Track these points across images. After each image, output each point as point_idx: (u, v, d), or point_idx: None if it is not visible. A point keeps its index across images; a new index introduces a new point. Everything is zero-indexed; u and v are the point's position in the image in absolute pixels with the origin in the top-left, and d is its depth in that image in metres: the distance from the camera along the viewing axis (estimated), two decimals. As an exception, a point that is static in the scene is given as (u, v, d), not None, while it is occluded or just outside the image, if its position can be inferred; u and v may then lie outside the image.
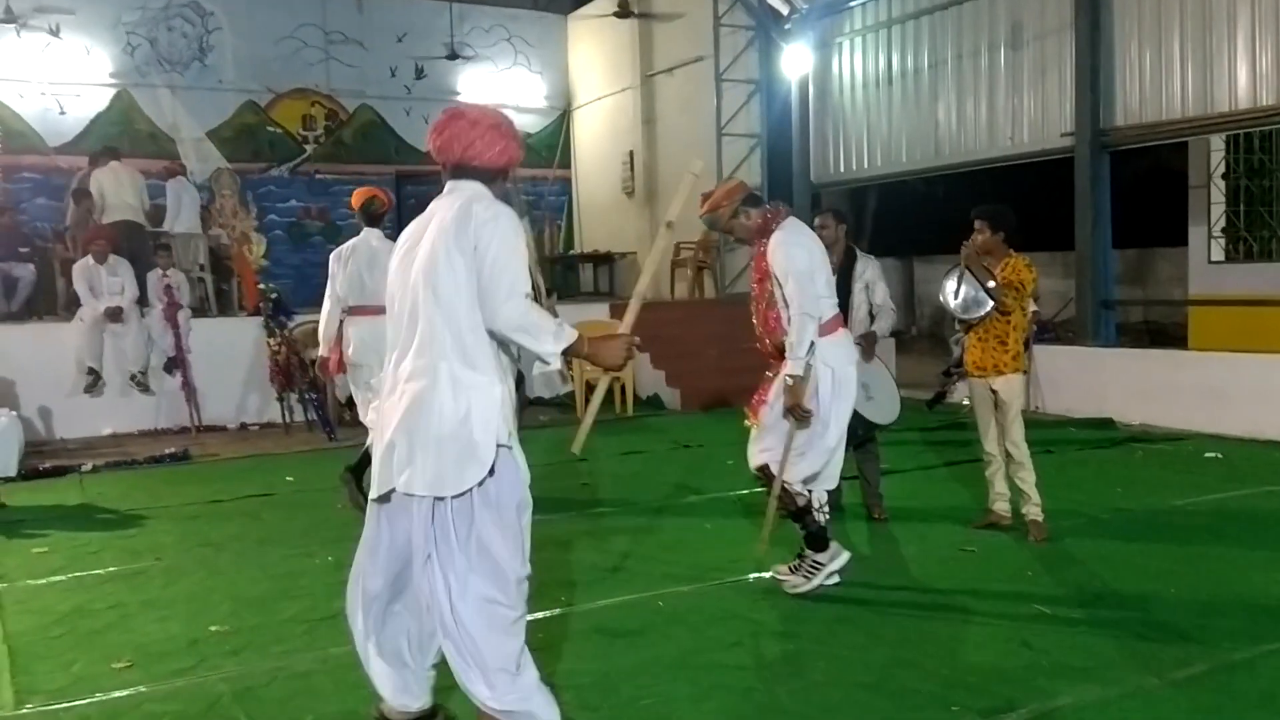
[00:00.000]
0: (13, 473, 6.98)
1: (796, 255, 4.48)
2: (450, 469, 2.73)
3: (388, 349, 2.95)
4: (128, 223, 10.63)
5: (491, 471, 2.75)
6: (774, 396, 4.61)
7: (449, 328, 2.77)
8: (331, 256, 6.35)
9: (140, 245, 10.55)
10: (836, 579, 4.64)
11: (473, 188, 2.90)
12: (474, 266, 2.74)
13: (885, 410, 5.74)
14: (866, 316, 5.97)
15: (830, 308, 4.62)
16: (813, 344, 4.42)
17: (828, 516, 4.74)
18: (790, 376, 4.42)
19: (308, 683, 3.80)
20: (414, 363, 2.80)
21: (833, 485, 4.82)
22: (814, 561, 4.62)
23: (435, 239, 2.80)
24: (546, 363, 2.91)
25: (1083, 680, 3.65)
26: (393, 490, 2.84)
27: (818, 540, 4.63)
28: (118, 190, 10.69)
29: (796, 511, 4.64)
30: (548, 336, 2.76)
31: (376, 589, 3.01)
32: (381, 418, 2.92)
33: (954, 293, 5.58)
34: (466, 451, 2.73)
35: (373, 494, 2.92)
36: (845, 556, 4.67)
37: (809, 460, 4.60)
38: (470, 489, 2.74)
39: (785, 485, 4.59)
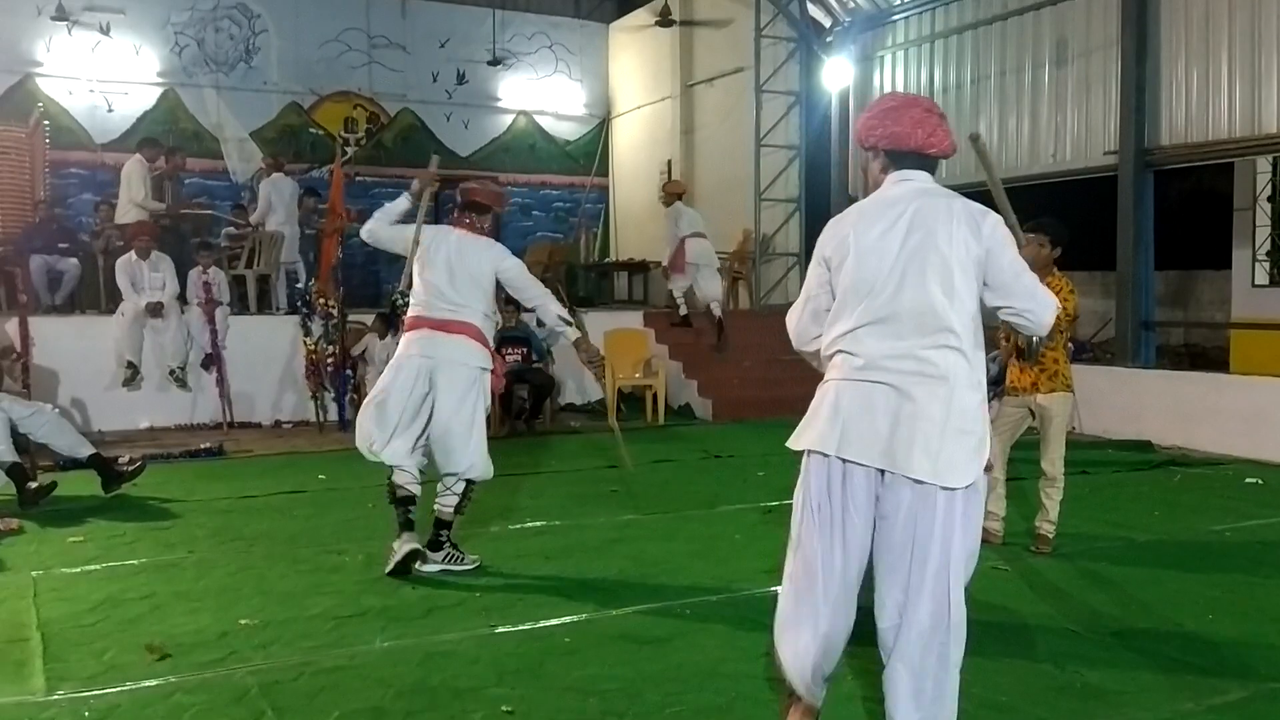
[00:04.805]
0: (87, 453, 7.04)
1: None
2: (966, 460, 2.79)
3: (851, 321, 2.88)
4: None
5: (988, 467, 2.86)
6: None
7: (958, 320, 2.80)
8: (669, 214, 11.90)
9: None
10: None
11: (928, 179, 2.97)
12: (984, 264, 2.83)
13: None
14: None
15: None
16: None
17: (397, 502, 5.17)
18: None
19: (335, 678, 3.81)
20: (907, 346, 2.80)
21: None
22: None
23: (942, 230, 2.82)
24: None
25: (1116, 704, 3.59)
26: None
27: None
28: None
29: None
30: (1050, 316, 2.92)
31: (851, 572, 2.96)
32: (850, 390, 2.87)
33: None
34: (979, 443, 2.82)
35: (848, 454, 2.84)
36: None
37: None
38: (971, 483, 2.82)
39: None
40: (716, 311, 11.90)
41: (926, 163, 3.00)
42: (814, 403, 2.96)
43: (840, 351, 2.90)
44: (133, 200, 10.93)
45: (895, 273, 2.83)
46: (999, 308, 2.88)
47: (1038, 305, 2.88)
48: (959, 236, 2.82)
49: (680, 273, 11.89)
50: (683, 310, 12.18)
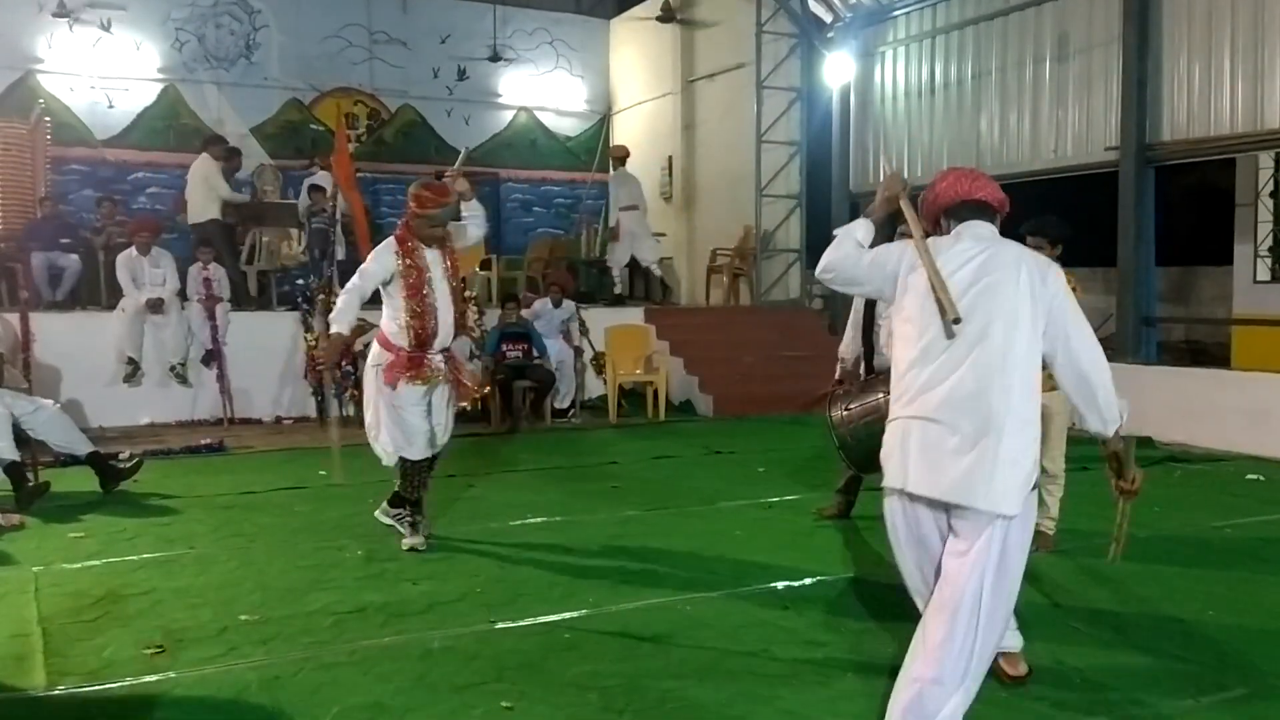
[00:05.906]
0: (86, 451, 7.09)
1: None
2: (1018, 488, 2.99)
3: (917, 349, 3.10)
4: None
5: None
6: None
7: (1017, 361, 2.99)
8: (611, 180, 13.40)
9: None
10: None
11: (992, 229, 3.19)
12: (1047, 309, 3.03)
13: None
14: None
15: None
16: None
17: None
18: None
19: (335, 674, 3.82)
20: (967, 376, 2.99)
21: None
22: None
23: (1011, 275, 3.02)
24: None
25: (1117, 700, 3.58)
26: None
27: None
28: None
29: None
30: (1111, 395, 3.14)
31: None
32: (917, 428, 3.07)
33: None
34: (1028, 476, 3.02)
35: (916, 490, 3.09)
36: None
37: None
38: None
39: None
40: (656, 271, 13.69)
41: (984, 213, 3.15)
42: (887, 439, 3.16)
43: (907, 379, 3.09)
44: (218, 194, 11.15)
45: (962, 310, 2.98)
46: (1051, 354, 3.05)
47: (1089, 348, 3.04)
48: (1026, 282, 3.00)
49: (616, 241, 13.25)
50: (618, 288, 13.32)
